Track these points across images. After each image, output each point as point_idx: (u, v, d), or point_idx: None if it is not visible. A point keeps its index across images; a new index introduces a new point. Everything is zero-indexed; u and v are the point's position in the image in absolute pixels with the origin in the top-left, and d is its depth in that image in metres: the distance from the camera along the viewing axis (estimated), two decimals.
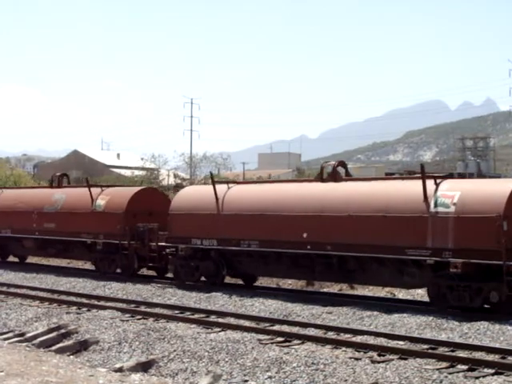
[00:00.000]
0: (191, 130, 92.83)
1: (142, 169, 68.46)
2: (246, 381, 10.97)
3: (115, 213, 23.23)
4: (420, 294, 20.14)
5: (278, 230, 18.80)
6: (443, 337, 13.52)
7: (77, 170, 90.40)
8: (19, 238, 27.11)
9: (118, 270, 23.59)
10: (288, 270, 19.25)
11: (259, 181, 22.52)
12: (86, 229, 24.14)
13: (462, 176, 32.81)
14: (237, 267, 20.56)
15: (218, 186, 20.77)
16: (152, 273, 23.92)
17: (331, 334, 13.99)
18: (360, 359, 11.82)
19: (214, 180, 21.40)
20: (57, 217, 25.36)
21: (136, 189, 25.31)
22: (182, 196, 22.29)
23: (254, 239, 19.28)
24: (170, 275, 22.62)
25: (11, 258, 29.67)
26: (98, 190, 24.79)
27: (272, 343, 13.17)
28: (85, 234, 24.13)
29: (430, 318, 15.02)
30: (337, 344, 13.01)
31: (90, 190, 24.41)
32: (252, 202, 19.80)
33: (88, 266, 26.98)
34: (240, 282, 22.07)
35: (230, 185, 21.15)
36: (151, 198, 24.04)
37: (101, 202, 24.05)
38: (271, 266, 19.46)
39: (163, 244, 21.77)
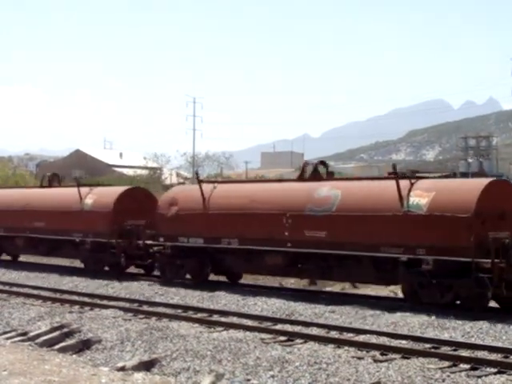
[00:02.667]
0: (194, 129, 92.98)
1: (145, 168, 68.62)
2: (249, 380, 10.96)
3: (456, 216, 15.79)
4: None
5: None
6: (446, 336, 13.50)
7: (79, 169, 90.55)
8: (255, 251, 19.28)
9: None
10: None
11: None
12: (391, 239, 16.63)
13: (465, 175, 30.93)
14: None
15: None
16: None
17: (334, 333, 13.97)
18: (362, 358, 11.81)
19: None
20: (330, 221, 17.75)
21: (485, 180, 17.09)
22: None
23: None
24: None
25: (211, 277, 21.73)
26: (406, 182, 16.92)
27: (274, 342, 13.16)
28: (388, 248, 16.65)
29: (433, 317, 15.01)
30: (339, 343, 12.99)
31: (397, 182, 16.68)
32: None
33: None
34: (244, 280, 22.03)
35: None
36: (501, 194, 16.67)
37: (419, 200, 16.49)
38: None
39: None
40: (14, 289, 20.85)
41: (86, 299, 18.80)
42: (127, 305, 17.73)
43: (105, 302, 18.14)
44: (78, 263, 26.65)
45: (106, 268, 24.08)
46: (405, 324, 14.61)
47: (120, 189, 24.91)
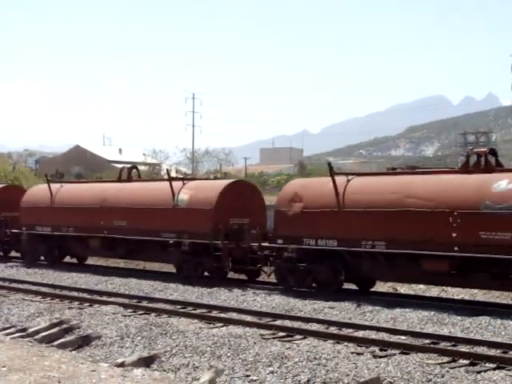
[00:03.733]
0: (193, 125, 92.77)
1: (144, 164, 68.62)
2: (248, 376, 10.96)
3: None
4: (422, 288, 20.13)
5: None
6: (445, 331, 13.52)
7: (78, 165, 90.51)
8: (405, 255, 16.51)
9: None
10: None
11: None
12: None
13: None
14: None
15: None
16: None
17: (333, 329, 13.98)
18: (362, 354, 11.82)
19: None
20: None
21: None
22: None
23: None
24: None
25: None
26: None
27: (274, 338, 13.17)
28: None
29: (432, 312, 15.02)
30: (339, 339, 13.00)
31: None
32: None
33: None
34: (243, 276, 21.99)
35: None
36: None
37: None
38: None
39: None
40: (14, 285, 20.87)
41: (86, 295, 18.80)
42: (127, 301, 17.74)
43: (104, 298, 18.15)
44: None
45: (206, 273, 21.00)
46: (404, 320, 14.63)
47: (223, 182, 21.95)
